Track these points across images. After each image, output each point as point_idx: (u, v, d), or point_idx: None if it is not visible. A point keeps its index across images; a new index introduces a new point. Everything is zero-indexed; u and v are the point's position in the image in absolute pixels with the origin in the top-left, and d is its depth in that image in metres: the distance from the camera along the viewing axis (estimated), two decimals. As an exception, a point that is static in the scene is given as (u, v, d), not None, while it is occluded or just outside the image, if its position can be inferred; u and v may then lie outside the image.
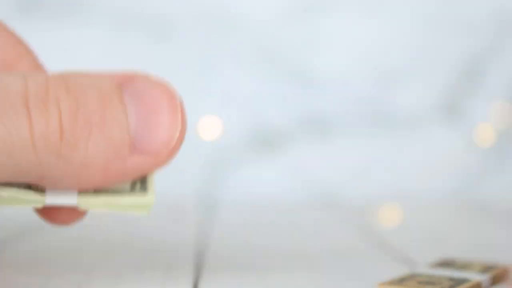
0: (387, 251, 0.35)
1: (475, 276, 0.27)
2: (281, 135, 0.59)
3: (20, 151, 0.22)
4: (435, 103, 0.60)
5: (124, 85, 0.24)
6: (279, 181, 0.58)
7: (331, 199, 0.57)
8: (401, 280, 0.26)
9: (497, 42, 0.60)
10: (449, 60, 0.60)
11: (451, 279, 0.26)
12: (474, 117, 0.60)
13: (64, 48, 0.57)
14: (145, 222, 0.45)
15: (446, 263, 0.29)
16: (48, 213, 0.26)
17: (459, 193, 0.60)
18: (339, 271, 0.29)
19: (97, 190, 0.24)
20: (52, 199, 0.24)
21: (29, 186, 0.24)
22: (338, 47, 0.60)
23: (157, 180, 0.25)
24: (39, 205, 0.24)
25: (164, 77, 0.25)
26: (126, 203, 0.24)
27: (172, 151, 0.24)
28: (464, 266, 0.28)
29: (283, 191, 0.57)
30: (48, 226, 0.41)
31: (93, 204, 0.24)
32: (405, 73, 0.60)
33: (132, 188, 0.25)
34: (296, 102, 0.59)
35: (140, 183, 0.25)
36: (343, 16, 0.60)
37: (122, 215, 0.49)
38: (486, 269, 0.28)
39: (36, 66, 0.27)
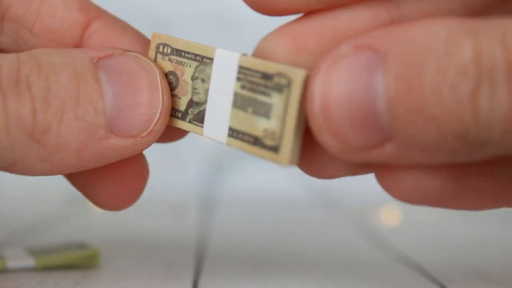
0: (387, 251, 0.35)
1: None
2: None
3: None
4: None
5: (100, 61, 0.23)
6: (279, 181, 0.58)
7: (331, 199, 0.57)
8: None
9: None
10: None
11: None
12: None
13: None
14: (145, 221, 0.45)
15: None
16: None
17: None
18: (339, 271, 0.29)
19: (50, 252, 0.28)
20: (12, 265, 0.27)
21: None
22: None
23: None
24: None
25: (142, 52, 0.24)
26: (74, 256, 0.28)
27: (152, 132, 0.23)
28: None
29: (283, 191, 0.57)
30: (49, 223, 0.41)
31: (48, 263, 0.28)
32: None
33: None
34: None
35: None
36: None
37: (123, 214, 0.49)
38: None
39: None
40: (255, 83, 0.22)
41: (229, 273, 0.28)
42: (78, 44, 0.26)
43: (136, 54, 0.24)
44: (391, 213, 0.49)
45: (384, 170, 0.22)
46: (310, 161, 0.23)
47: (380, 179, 0.22)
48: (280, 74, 0.21)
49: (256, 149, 0.22)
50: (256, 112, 0.22)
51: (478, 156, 0.20)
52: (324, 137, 0.21)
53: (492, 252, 0.36)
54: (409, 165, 0.22)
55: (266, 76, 0.22)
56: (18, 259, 0.28)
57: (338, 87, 0.20)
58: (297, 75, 0.21)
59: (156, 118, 0.23)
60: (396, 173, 0.22)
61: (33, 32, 0.25)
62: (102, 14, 0.26)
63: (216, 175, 0.59)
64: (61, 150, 0.22)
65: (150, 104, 0.23)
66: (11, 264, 0.27)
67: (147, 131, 0.23)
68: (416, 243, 0.39)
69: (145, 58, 0.24)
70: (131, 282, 0.26)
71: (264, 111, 0.22)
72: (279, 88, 0.22)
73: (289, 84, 0.21)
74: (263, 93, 0.22)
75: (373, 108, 0.20)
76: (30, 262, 0.28)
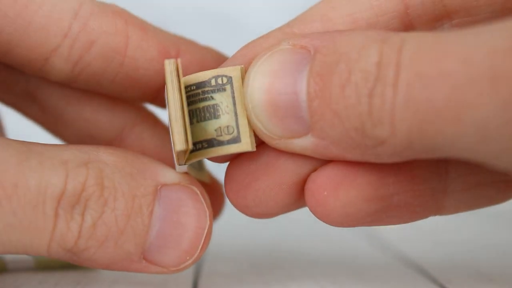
0: (386, 251, 0.35)
1: None
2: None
3: (35, 251, 0.22)
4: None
5: (163, 189, 0.23)
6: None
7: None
8: None
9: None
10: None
11: None
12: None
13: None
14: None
15: None
16: None
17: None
18: (339, 271, 0.29)
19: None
20: (12, 265, 0.28)
21: None
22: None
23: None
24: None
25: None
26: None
27: (181, 270, 0.24)
28: None
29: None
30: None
31: (48, 263, 0.28)
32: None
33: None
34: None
35: None
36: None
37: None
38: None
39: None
40: (192, 96, 0.23)
41: (229, 274, 0.28)
42: (162, 89, 0.26)
43: (198, 193, 0.24)
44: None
45: (314, 198, 0.23)
46: (247, 200, 0.24)
47: (311, 207, 0.24)
48: (217, 76, 0.23)
49: (213, 150, 0.23)
50: (201, 119, 0.23)
51: (383, 155, 0.21)
52: (253, 121, 0.23)
53: (492, 252, 0.36)
54: (329, 159, 0.23)
55: (201, 85, 0.23)
56: (18, 259, 0.28)
57: (269, 77, 0.22)
58: (236, 70, 0.23)
59: (187, 264, 0.24)
60: (326, 201, 0.23)
61: (114, 82, 0.26)
62: (180, 48, 0.26)
63: (216, 175, 0.59)
64: (92, 263, 0.23)
65: (187, 252, 0.24)
66: (11, 264, 0.27)
67: (176, 269, 0.24)
68: (416, 243, 0.39)
69: (204, 202, 0.24)
70: (131, 282, 0.26)
71: (209, 114, 0.23)
72: (220, 88, 0.23)
73: (230, 81, 0.23)
74: (203, 99, 0.23)
75: (296, 100, 0.22)
76: (30, 262, 0.28)
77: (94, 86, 0.26)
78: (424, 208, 0.24)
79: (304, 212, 0.52)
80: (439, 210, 0.25)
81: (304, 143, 0.22)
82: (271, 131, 0.23)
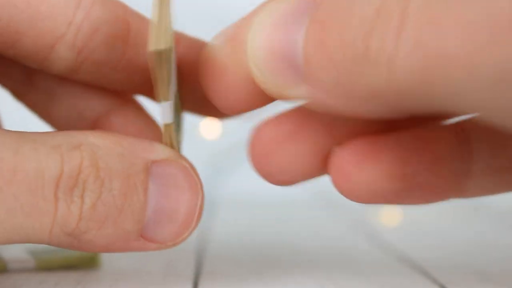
0: (387, 251, 0.35)
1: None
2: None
3: (37, 237, 0.23)
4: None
5: (154, 166, 0.24)
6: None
7: (331, 199, 0.57)
8: None
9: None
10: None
11: None
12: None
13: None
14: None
15: None
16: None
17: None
18: (339, 271, 0.29)
19: (50, 253, 0.28)
20: (12, 265, 0.28)
21: None
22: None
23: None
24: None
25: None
26: (75, 256, 0.28)
27: (178, 243, 0.24)
28: None
29: (283, 190, 0.57)
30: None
31: (48, 264, 0.28)
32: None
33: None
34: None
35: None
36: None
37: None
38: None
39: None
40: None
41: (229, 273, 0.28)
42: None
43: (188, 167, 0.24)
44: (391, 213, 0.49)
45: (338, 172, 0.24)
46: (271, 166, 0.25)
47: (335, 181, 0.24)
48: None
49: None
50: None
51: (375, 107, 0.21)
52: (252, 68, 0.23)
53: (492, 252, 0.36)
54: (326, 113, 0.23)
55: None
56: (19, 260, 0.28)
57: (271, 25, 0.22)
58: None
59: (185, 236, 0.24)
60: (350, 177, 0.23)
61: (116, 70, 0.26)
62: (180, 40, 0.26)
63: (217, 175, 0.59)
64: (92, 246, 0.23)
65: (183, 223, 0.24)
66: (11, 264, 0.27)
67: (173, 242, 0.24)
68: (416, 243, 0.39)
69: (194, 175, 0.24)
70: (131, 282, 0.26)
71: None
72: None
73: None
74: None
75: (294, 48, 0.22)
76: (30, 262, 0.28)
77: (96, 77, 0.26)
78: (445, 189, 0.24)
79: (304, 212, 0.52)
80: (461, 192, 0.25)
81: (299, 92, 0.22)
82: (268, 79, 0.23)
